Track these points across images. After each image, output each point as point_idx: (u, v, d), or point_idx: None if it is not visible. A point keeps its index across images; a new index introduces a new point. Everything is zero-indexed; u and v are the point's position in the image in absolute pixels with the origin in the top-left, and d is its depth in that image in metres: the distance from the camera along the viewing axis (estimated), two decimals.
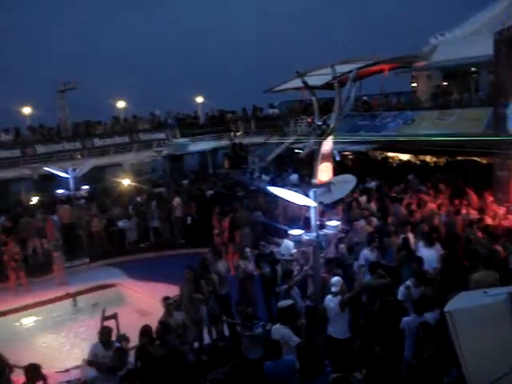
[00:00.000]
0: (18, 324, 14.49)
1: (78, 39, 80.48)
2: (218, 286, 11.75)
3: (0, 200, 27.15)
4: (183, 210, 20.55)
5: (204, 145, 31.59)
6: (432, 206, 16.25)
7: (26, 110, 30.64)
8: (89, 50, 79.46)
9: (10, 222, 19.57)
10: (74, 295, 15.72)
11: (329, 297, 9.63)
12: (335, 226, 10.22)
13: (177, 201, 20.68)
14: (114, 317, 10.00)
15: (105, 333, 8.83)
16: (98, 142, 28.91)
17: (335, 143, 10.97)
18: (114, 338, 9.14)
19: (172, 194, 22.17)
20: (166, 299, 10.06)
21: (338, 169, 11.61)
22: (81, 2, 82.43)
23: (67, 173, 20.74)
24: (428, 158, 25.57)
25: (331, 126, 10.47)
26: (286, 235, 12.64)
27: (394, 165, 27.13)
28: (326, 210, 14.53)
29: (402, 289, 9.92)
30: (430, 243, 11.99)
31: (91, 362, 8.42)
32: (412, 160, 26.46)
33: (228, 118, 33.93)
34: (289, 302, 9.24)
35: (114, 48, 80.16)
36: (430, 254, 11.58)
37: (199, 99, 35.99)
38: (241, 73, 75.29)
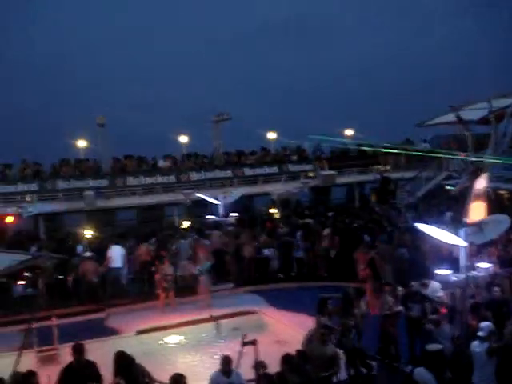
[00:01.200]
0: (161, 342, 15.08)
1: (236, 72, 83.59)
2: (361, 322, 11.52)
3: (154, 223, 28.79)
4: (328, 243, 20.45)
5: (351, 177, 31.44)
6: None
7: (183, 139, 32.28)
8: (247, 82, 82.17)
9: (162, 244, 20.57)
10: (217, 318, 16.11)
11: (475, 342, 9.06)
12: (486, 268, 9.70)
13: (326, 231, 20.63)
14: (254, 343, 10.07)
15: (226, 362, 9.07)
16: (248, 172, 29.81)
17: (490, 181, 10.47)
18: (252, 364, 9.27)
19: (317, 225, 22.18)
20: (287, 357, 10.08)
21: (492, 208, 11.03)
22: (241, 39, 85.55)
23: (218, 199, 21.52)
24: None
25: (486, 162, 10.03)
26: (432, 275, 12.17)
27: None
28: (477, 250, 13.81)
29: None
30: None
31: None
32: None
33: (378, 152, 33.55)
34: (438, 346, 8.73)
35: (269, 81, 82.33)
36: None
37: (348, 132, 36.01)
38: (391, 106, 74.17)
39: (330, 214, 25.76)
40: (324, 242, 20.44)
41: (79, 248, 20.09)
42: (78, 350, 8.93)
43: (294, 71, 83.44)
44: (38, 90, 75.08)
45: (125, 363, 8.99)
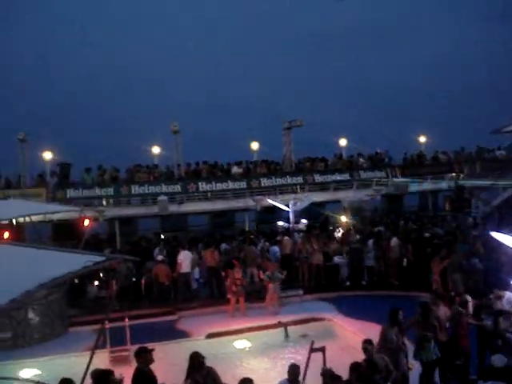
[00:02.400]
0: (230, 346, 15.22)
1: (309, 76, 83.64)
2: (439, 333, 11.23)
3: (225, 228, 29.12)
4: (400, 251, 20.12)
5: (425, 185, 30.83)
6: None
7: (254, 145, 32.50)
8: (318, 88, 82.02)
9: (236, 249, 20.79)
10: (285, 324, 16.13)
11: None
12: None
13: (394, 241, 20.33)
14: (322, 350, 10.01)
15: (294, 371, 9.01)
16: (319, 178, 29.71)
17: None
18: (319, 371, 9.22)
19: (389, 234, 21.86)
20: (366, 342, 9.90)
21: None
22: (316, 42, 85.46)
23: (288, 206, 21.55)
24: None
25: None
26: (508, 286, 11.78)
27: None
28: None
29: None
30: None
31: None
32: None
33: (452, 159, 32.82)
34: (504, 360, 8.48)
35: (343, 85, 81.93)
36: None
37: (422, 139, 35.37)
38: (466, 112, 72.28)
39: (402, 222, 25.36)
40: (396, 250, 20.12)
41: (155, 252, 20.52)
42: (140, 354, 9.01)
43: (366, 75, 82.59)
44: (118, 97, 77.45)
45: (197, 364, 9.13)
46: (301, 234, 22.77)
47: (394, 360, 9.97)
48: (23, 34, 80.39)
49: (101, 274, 18.87)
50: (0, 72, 73.16)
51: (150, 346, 9.35)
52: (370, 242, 20.71)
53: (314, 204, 24.80)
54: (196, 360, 9.21)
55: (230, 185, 28.10)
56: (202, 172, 29.18)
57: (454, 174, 30.59)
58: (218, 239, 23.01)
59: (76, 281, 18.72)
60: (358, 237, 21.54)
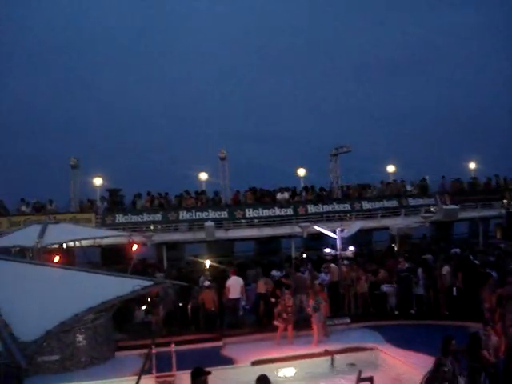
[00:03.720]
0: (275, 373, 15.05)
1: (349, 102, 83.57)
2: (490, 364, 10.89)
3: (271, 254, 29.09)
4: (450, 280, 19.66)
5: (475, 212, 30.21)
6: None
7: (301, 172, 32.47)
8: (365, 115, 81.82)
9: (285, 276, 20.69)
10: (332, 353, 15.89)
11: None
12: None
13: (446, 269, 19.89)
14: (370, 380, 9.84)
15: None
16: (366, 205, 29.43)
17: None
18: None
19: (439, 262, 21.42)
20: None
21: None
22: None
23: (335, 233, 21.38)
24: None
25: None
26: None
27: None
28: None
29: None
30: None
31: None
32: None
33: (503, 185, 32.12)
34: None
35: (392, 112, 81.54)
36: None
37: (472, 165, 34.77)
38: None
39: (453, 250, 24.82)
40: (446, 278, 19.68)
41: (200, 278, 20.59)
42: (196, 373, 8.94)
43: (415, 103, 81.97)
44: (167, 125, 78.72)
45: None
46: (346, 261, 22.52)
47: None
48: (77, 61, 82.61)
49: (148, 299, 18.99)
50: (54, 100, 75.37)
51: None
52: (420, 270, 20.33)
53: (361, 231, 24.53)
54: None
55: (277, 211, 28.10)
56: (248, 198, 29.30)
57: (505, 201, 29.87)
58: (267, 265, 23.00)
59: (123, 305, 18.92)
60: (407, 265, 21.14)
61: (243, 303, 20.27)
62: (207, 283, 19.41)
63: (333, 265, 21.51)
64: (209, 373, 8.85)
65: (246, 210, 27.97)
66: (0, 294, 5.61)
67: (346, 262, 21.87)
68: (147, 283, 6.64)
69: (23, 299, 5.73)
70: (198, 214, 27.42)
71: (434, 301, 20.01)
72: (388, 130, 78.66)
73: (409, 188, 31.83)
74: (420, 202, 30.42)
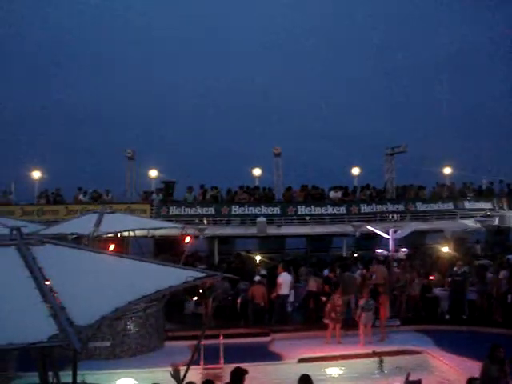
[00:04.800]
0: (321, 371, 15.05)
1: (415, 102, 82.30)
2: None
3: (322, 252, 29.02)
4: (507, 286, 19.21)
5: None
6: None
7: (355, 171, 32.22)
8: (427, 115, 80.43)
9: (333, 274, 20.61)
10: (380, 355, 15.76)
11: None
12: None
13: (503, 274, 19.44)
14: (419, 383, 9.73)
15: None
16: (421, 207, 28.98)
17: None
18: None
19: (494, 267, 20.95)
20: (471, 380, 9.48)
21: None
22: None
23: (388, 233, 21.17)
24: None
25: None
26: None
27: None
28: None
29: None
30: None
31: None
32: None
33: None
34: None
35: (445, 113, 80.00)
36: None
37: None
38: None
39: (508, 256, 24.23)
40: (502, 284, 19.23)
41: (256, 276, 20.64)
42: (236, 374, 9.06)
43: (477, 101, 79.98)
44: (223, 120, 79.24)
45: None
46: (400, 262, 22.25)
47: None
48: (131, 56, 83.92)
49: (200, 291, 19.20)
50: (111, 93, 76.88)
51: (243, 366, 9.36)
52: (474, 275, 19.94)
53: (414, 233, 24.18)
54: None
55: (329, 209, 27.97)
56: (298, 196, 29.23)
57: None
58: (316, 263, 22.95)
59: (174, 296, 19.20)
60: (463, 269, 20.73)
61: (291, 300, 20.29)
62: (258, 278, 19.49)
63: (379, 266, 21.24)
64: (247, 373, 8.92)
65: (299, 207, 27.93)
66: (57, 278, 5.76)
67: (395, 263, 21.60)
68: (200, 274, 6.73)
69: (79, 284, 5.89)
70: (250, 209, 27.53)
71: (488, 307, 19.60)
72: (445, 129, 77.06)
73: (466, 191, 31.14)
74: (477, 205, 29.76)
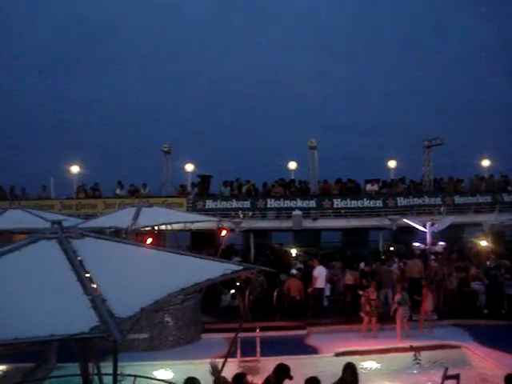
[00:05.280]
0: (360, 365, 14.98)
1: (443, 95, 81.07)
2: None
3: (359, 246, 28.85)
4: None
5: None
6: None
7: (392, 164, 31.92)
8: (456, 106, 79.18)
9: (369, 268, 20.53)
10: (417, 349, 15.67)
11: None
12: None
13: None
14: (457, 377, 9.62)
15: None
16: (458, 200, 28.57)
17: None
18: None
19: None
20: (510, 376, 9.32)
21: None
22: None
23: (425, 227, 20.98)
24: None
25: None
26: None
27: None
28: None
29: None
30: None
31: None
32: None
33: None
34: None
35: (485, 107, 78.55)
36: None
37: None
38: None
39: None
40: None
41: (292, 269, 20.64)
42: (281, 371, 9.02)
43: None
44: (259, 113, 79.32)
45: None
46: (438, 256, 22.05)
47: None
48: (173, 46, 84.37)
49: (237, 284, 19.32)
50: (149, 88, 77.60)
51: (279, 359, 9.39)
52: None
53: (452, 226, 23.89)
54: None
55: (365, 203, 27.76)
56: (333, 189, 29.06)
57: None
58: (352, 257, 22.86)
59: (211, 289, 19.39)
60: (495, 263, 20.41)
61: (328, 293, 20.29)
62: (294, 271, 19.52)
63: (414, 260, 21.02)
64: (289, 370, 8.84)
65: (334, 200, 27.79)
66: (97, 270, 5.87)
67: (433, 256, 21.38)
68: (237, 268, 6.78)
69: (119, 277, 5.99)
70: (285, 202, 27.49)
71: None
72: (483, 122, 75.70)
73: (505, 184, 30.56)
74: None
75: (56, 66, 79.26)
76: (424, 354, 15.60)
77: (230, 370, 10.83)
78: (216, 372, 7.64)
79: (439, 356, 15.28)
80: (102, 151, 64.90)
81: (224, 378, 8.26)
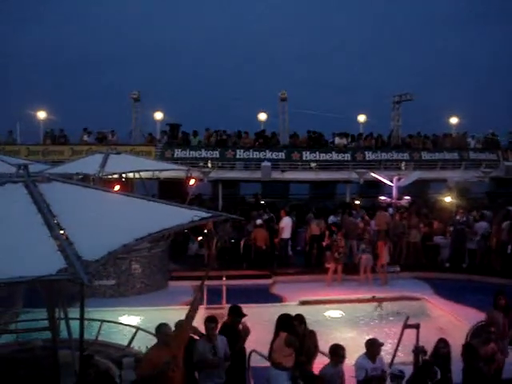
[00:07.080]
0: (324, 314, 15.39)
1: (418, 52, 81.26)
2: None
3: (326, 199, 29.09)
4: (507, 237, 19.30)
5: None
6: None
7: (361, 118, 32.04)
8: (432, 63, 79.49)
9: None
10: (379, 300, 16.06)
11: None
12: None
13: (506, 224, 19.49)
14: (417, 327, 9.83)
15: (374, 345, 8.58)
16: (425, 156, 28.86)
17: None
18: (411, 348, 9.18)
19: (497, 217, 20.97)
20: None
21: None
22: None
23: (392, 181, 21.21)
24: None
25: None
26: None
27: None
28: None
29: None
30: None
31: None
32: None
33: None
34: None
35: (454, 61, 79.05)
36: None
37: None
38: None
39: (509, 207, 24.22)
40: (505, 234, 19.33)
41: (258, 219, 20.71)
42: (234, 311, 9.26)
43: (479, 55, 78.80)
44: (228, 65, 78.53)
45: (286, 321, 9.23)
46: (402, 210, 22.32)
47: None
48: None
49: (205, 231, 19.37)
50: (117, 34, 76.00)
51: (245, 306, 9.52)
52: (479, 224, 19.99)
53: (418, 182, 24.22)
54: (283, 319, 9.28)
55: (334, 156, 27.84)
56: (303, 142, 29.04)
57: None
58: (320, 209, 23.07)
59: (178, 237, 19.47)
60: (464, 218, 20.74)
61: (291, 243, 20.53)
62: (259, 222, 19.64)
63: (384, 212, 21.28)
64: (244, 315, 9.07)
65: (303, 152, 27.80)
66: (64, 214, 5.82)
67: (391, 210, 21.71)
68: (205, 214, 6.80)
69: (86, 221, 5.96)
70: (255, 153, 27.43)
71: (487, 256, 19.78)
72: (455, 80, 76.17)
73: (471, 142, 30.90)
74: (482, 156, 29.65)
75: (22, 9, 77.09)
76: (386, 305, 15.99)
77: (196, 317, 11.00)
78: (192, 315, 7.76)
79: (400, 307, 15.60)
80: (70, 96, 63.69)
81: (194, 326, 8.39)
